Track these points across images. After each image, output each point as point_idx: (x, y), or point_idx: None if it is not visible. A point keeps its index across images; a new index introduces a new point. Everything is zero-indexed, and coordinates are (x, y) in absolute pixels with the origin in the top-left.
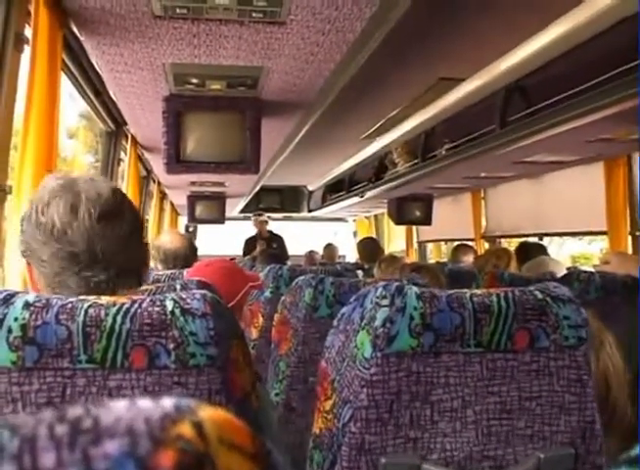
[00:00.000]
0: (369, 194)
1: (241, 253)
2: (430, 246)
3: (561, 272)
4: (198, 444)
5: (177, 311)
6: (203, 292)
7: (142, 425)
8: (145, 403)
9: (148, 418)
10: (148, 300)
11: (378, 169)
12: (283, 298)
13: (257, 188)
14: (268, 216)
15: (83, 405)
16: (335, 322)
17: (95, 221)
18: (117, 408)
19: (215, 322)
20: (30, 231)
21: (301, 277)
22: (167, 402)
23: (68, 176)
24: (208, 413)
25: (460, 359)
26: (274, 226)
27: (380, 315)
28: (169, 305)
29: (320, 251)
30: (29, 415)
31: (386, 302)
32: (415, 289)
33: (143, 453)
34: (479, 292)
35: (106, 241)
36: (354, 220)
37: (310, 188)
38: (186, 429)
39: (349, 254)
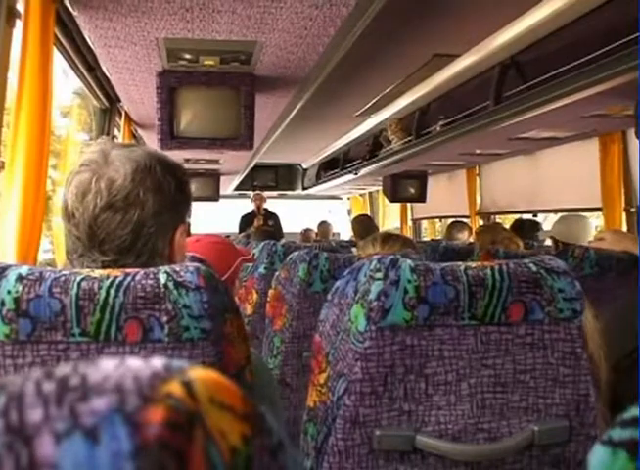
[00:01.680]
0: (363, 171)
1: (236, 230)
2: (424, 223)
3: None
4: (188, 402)
5: (171, 284)
6: (196, 265)
7: (131, 383)
8: (134, 363)
9: (137, 376)
10: (141, 273)
11: (372, 147)
12: (277, 273)
13: (252, 165)
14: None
15: (72, 365)
16: (329, 296)
17: (99, 211)
18: (106, 367)
19: (209, 296)
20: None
21: (296, 253)
22: (157, 362)
23: (105, 147)
24: (199, 374)
25: (454, 332)
26: (269, 204)
27: (374, 289)
28: (163, 278)
29: (316, 229)
30: (17, 376)
31: (380, 275)
32: (409, 262)
33: (131, 410)
34: (473, 265)
35: (108, 230)
36: (349, 198)
37: (305, 166)
38: (176, 387)
39: (344, 231)
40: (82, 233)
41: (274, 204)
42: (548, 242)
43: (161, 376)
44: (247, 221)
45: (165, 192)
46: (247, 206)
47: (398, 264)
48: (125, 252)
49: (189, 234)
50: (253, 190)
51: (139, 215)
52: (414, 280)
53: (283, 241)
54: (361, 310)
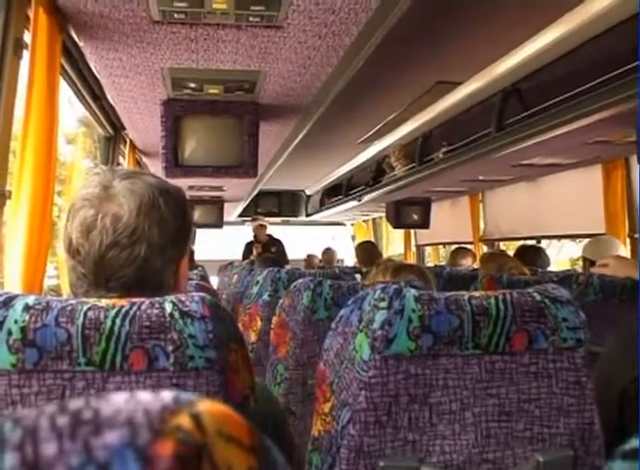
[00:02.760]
0: (367, 198)
1: (239, 257)
2: (428, 249)
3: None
4: (196, 435)
5: (176, 314)
6: (202, 295)
7: (141, 416)
8: (144, 396)
9: (147, 410)
10: (147, 302)
11: (375, 173)
12: (281, 301)
13: (255, 192)
14: (266, 221)
15: (84, 398)
16: (333, 324)
17: (105, 249)
18: (117, 400)
19: (214, 325)
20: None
21: (300, 280)
22: (166, 395)
23: (104, 180)
24: (207, 406)
25: (458, 362)
26: (272, 230)
27: (378, 318)
28: (168, 307)
29: (319, 255)
30: (31, 410)
31: (384, 304)
32: (413, 291)
33: (142, 443)
34: (477, 294)
35: (115, 267)
36: (352, 224)
37: (308, 192)
38: (185, 420)
39: (348, 257)
40: (88, 270)
41: (278, 230)
42: (552, 268)
43: (171, 409)
44: (250, 248)
45: (169, 223)
46: (251, 233)
47: (402, 294)
48: (131, 288)
49: (192, 261)
50: (256, 216)
51: (145, 251)
52: (418, 309)
53: (288, 267)
54: (365, 339)
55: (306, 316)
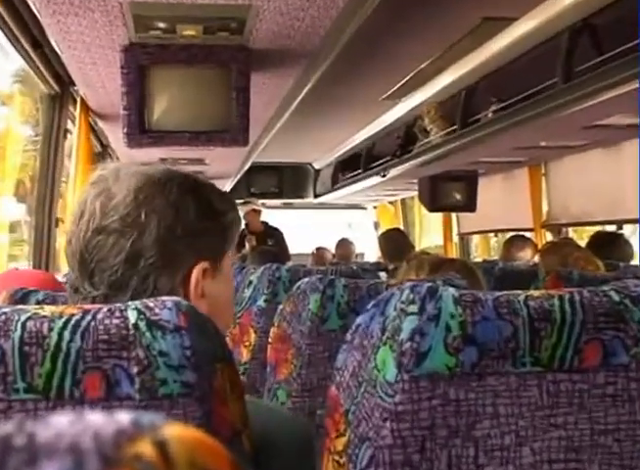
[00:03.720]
0: (393, 172)
1: None
2: (474, 239)
3: None
4: (160, 466)
5: (142, 325)
6: (176, 299)
7: (90, 442)
8: (94, 418)
9: (97, 434)
10: (104, 309)
11: (404, 140)
12: (281, 307)
13: (247, 166)
14: (262, 204)
15: (16, 421)
16: (348, 336)
17: (91, 234)
18: (59, 423)
19: (193, 339)
20: None
21: (305, 280)
22: (123, 417)
23: (105, 171)
24: (176, 431)
25: (512, 382)
26: (270, 217)
27: (406, 326)
28: (132, 315)
29: (332, 248)
30: None
31: (414, 308)
32: (452, 291)
33: None
34: (536, 294)
35: (99, 257)
36: (375, 208)
37: (317, 166)
38: (146, 448)
39: (370, 251)
40: (75, 262)
41: (277, 216)
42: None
43: (129, 434)
44: (241, 241)
45: (180, 216)
46: (241, 220)
47: (438, 294)
48: (117, 287)
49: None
50: (248, 199)
51: (135, 241)
52: (459, 314)
53: (289, 264)
54: (390, 354)
55: (314, 326)
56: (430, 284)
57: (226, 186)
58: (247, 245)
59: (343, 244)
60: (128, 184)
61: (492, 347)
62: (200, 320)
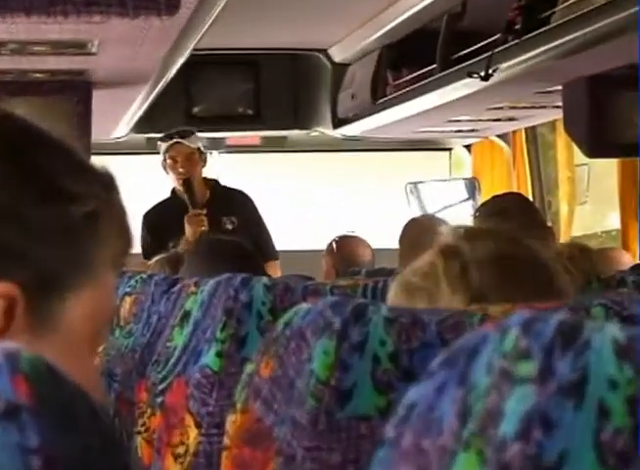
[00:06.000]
0: (505, 69)
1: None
2: None
3: None
4: None
5: None
6: (10, 348)
7: None
8: None
9: None
10: None
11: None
12: (250, 367)
13: (183, 59)
14: (211, 139)
15: None
16: (389, 430)
17: None
18: None
19: (51, 435)
20: None
21: (304, 305)
22: None
23: None
24: None
25: None
26: (234, 173)
27: (514, 407)
28: None
29: (369, 234)
30: None
31: (528, 368)
32: (614, 331)
33: None
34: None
35: None
36: (468, 147)
37: (337, 57)
38: None
39: None
40: None
41: (250, 170)
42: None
43: None
44: (162, 224)
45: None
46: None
47: (589, 338)
48: None
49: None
50: (184, 128)
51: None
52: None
53: (273, 271)
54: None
55: (322, 410)
56: (565, 319)
57: (137, 100)
58: (187, 227)
59: (418, 223)
60: None
61: None
62: (64, 393)
